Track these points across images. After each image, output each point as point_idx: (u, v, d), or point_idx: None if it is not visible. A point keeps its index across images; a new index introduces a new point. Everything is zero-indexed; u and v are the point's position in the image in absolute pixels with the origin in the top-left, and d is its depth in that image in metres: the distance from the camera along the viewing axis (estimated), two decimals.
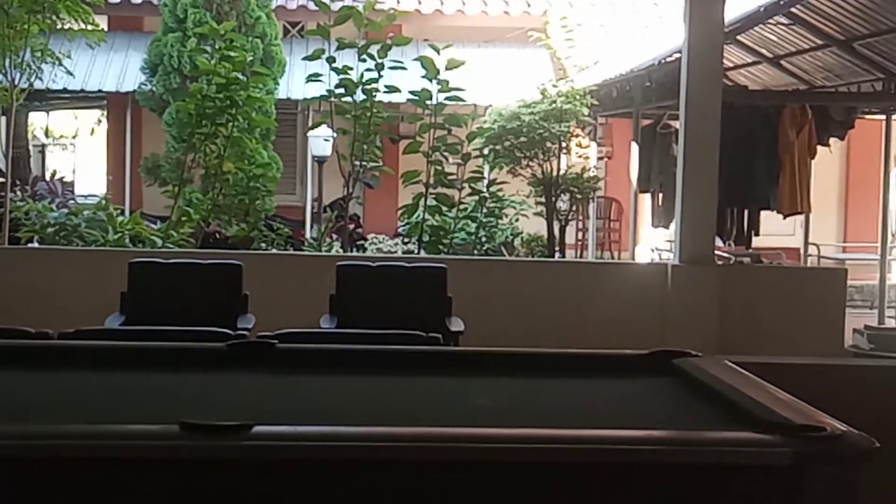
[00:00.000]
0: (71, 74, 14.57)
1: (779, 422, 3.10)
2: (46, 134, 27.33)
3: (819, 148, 11.50)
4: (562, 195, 12.81)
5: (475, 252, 12.42)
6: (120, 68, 18.41)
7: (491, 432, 3.11)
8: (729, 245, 12.14)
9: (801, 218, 12.93)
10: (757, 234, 11.87)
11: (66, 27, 12.50)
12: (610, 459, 2.95)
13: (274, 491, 2.92)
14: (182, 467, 2.93)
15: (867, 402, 4.85)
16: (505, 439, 3.04)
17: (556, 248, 12.98)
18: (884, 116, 12.65)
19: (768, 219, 11.78)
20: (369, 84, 10.76)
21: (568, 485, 2.94)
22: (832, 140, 11.99)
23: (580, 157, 13.75)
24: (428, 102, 10.84)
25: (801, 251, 14.06)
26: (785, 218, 11.58)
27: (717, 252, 10.05)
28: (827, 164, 13.81)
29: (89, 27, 12.54)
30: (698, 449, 3.05)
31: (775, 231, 12.88)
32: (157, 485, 2.92)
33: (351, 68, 10.80)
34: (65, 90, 17.62)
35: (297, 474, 2.93)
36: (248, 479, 2.93)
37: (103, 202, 11.56)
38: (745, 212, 11.67)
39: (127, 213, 14.13)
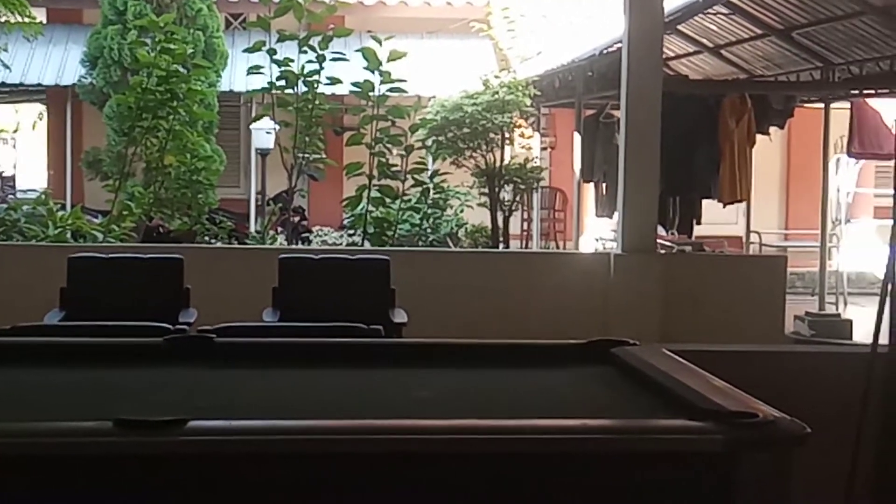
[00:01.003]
0: (8, 68, 14.41)
1: (712, 409, 3.13)
2: None
3: (759, 136, 11.61)
4: (505, 186, 12.86)
5: (420, 243, 12.44)
6: (59, 61, 18.21)
7: (428, 424, 3.11)
8: (671, 234, 12.23)
9: (743, 206, 13.05)
10: (699, 223, 11.98)
11: (2, 20, 12.35)
12: (545, 449, 2.97)
13: (210, 486, 2.91)
14: (116, 464, 2.90)
15: (807, 389, 4.90)
16: (442, 430, 3.04)
17: (501, 239, 13.02)
18: (822, 105, 12.79)
19: (710, 207, 11.88)
20: (311, 76, 10.73)
21: (504, 474, 2.95)
22: (772, 129, 12.11)
23: (523, 147, 13.80)
24: (370, 94, 10.82)
25: (743, 239, 14.19)
26: (725, 206, 11.69)
27: (659, 241, 10.12)
28: (768, 152, 13.95)
29: (26, 20, 12.40)
30: (632, 437, 3.07)
31: (717, 220, 13.00)
32: (92, 481, 2.90)
33: (292, 60, 10.77)
34: (3, 84, 17.42)
35: (233, 468, 2.91)
36: (184, 474, 2.91)
37: (43, 197, 11.45)
38: (687, 200, 11.77)
39: (68, 207, 13.99)
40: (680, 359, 3.97)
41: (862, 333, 10.65)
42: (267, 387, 3.87)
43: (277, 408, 3.50)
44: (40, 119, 23.65)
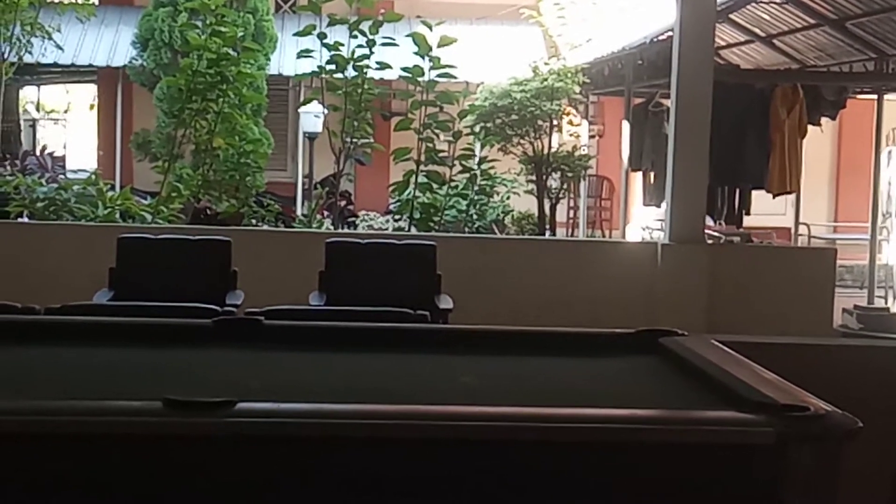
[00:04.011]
0: (60, 49, 14.53)
1: (763, 401, 3.10)
2: (38, 108, 27.24)
3: (810, 127, 11.50)
4: (553, 173, 12.82)
5: (466, 229, 12.43)
6: (111, 43, 18.33)
7: (474, 410, 3.10)
8: (720, 224, 12.14)
9: (792, 197, 12.94)
10: (748, 214, 11.88)
11: (56, 1, 12.44)
12: (592, 438, 2.95)
13: (257, 467, 2.92)
14: (165, 443, 2.92)
15: (855, 383, 4.86)
16: (486, 417, 3.03)
17: (547, 227, 12.98)
18: (875, 96, 12.64)
19: (759, 198, 11.78)
20: (360, 60, 10.73)
21: (549, 463, 2.94)
22: (823, 120, 11.99)
23: (571, 135, 13.75)
24: (420, 79, 10.81)
25: (792, 231, 14.07)
26: (774, 197, 11.59)
27: (707, 231, 10.05)
28: (818, 143, 13.81)
29: (79, 1, 12.48)
30: (682, 428, 3.04)
31: (766, 210, 12.89)
32: (141, 461, 2.92)
33: (342, 44, 10.77)
34: (55, 64, 17.56)
35: (281, 451, 2.92)
36: (232, 455, 2.92)
37: (93, 177, 11.53)
38: (737, 191, 11.69)
39: (117, 188, 14.09)
40: (729, 350, 3.94)
41: None
42: (314, 370, 3.88)
43: (325, 391, 3.51)
44: (95, 100, 23.86)
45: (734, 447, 2.97)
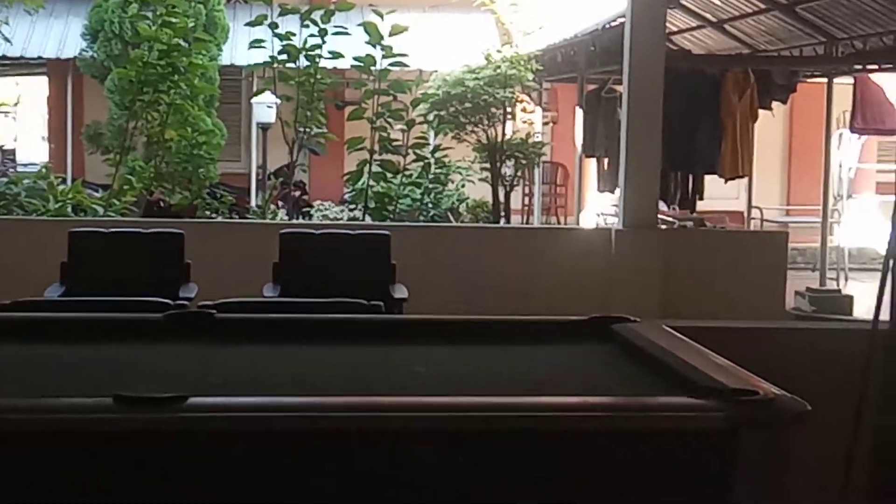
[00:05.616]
0: (9, 41, 14.37)
1: (713, 386, 3.13)
2: None
3: (761, 111, 11.58)
4: (507, 161, 12.85)
5: (421, 218, 12.43)
6: (60, 34, 18.14)
7: (428, 401, 3.10)
8: (673, 209, 12.21)
9: (744, 181, 13.02)
10: (701, 199, 11.95)
11: None
12: (544, 426, 2.96)
13: (210, 462, 2.91)
14: (116, 440, 2.90)
15: (807, 365, 4.90)
16: (442, 407, 3.04)
17: (502, 214, 13.01)
18: (825, 80, 12.74)
19: (712, 183, 11.85)
20: (312, 50, 10.70)
21: (503, 452, 2.95)
22: (775, 104, 12.07)
23: (525, 122, 13.78)
24: (372, 68, 10.79)
25: (745, 215, 14.17)
26: (726, 182, 11.67)
27: (660, 216, 10.10)
28: (770, 127, 13.90)
29: None
30: (632, 414, 3.07)
31: (719, 195, 12.97)
32: (92, 458, 2.90)
33: (294, 34, 10.73)
34: (4, 57, 17.35)
35: (233, 445, 2.91)
36: (184, 450, 2.91)
37: (44, 171, 11.42)
38: (690, 176, 11.75)
39: (69, 181, 13.96)
40: (680, 335, 3.97)
41: (863, 309, 10.64)
42: (267, 363, 3.86)
43: (277, 384, 3.49)
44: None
45: (684, 432, 2.99)
